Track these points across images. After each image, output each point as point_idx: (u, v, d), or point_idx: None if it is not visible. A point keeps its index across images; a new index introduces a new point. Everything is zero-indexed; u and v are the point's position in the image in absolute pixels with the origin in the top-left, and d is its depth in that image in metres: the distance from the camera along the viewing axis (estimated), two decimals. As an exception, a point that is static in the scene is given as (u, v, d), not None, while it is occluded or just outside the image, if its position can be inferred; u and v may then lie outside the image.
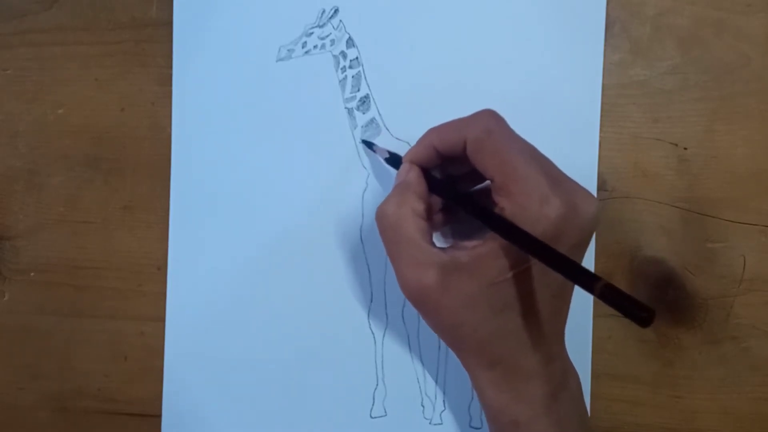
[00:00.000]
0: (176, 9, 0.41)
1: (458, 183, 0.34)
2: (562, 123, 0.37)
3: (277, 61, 0.40)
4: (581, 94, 0.37)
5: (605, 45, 0.37)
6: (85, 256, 0.42)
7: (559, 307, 0.30)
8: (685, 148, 0.37)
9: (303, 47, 0.39)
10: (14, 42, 0.42)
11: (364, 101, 0.39)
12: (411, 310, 0.38)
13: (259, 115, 0.40)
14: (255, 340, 0.40)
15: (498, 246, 0.28)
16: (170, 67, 0.41)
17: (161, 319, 0.41)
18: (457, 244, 0.31)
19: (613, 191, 0.38)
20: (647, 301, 0.37)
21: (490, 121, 0.29)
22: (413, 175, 0.32)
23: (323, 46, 0.39)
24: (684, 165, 0.37)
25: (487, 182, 0.30)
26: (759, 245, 0.36)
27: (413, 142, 0.33)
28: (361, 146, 0.39)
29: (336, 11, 0.39)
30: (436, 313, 0.29)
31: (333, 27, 0.39)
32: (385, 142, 0.38)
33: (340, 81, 0.39)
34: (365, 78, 0.39)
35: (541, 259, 0.26)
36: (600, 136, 0.37)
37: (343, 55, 0.39)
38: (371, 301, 0.39)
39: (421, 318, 0.38)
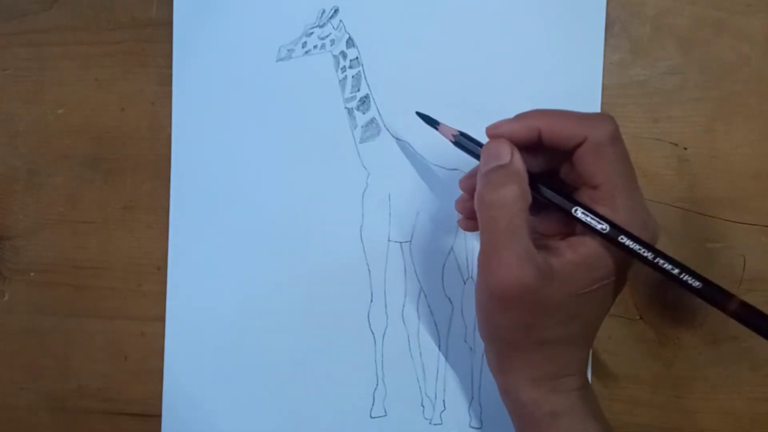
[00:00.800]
0: (176, 9, 0.41)
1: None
2: (562, 123, 0.37)
3: (277, 61, 0.40)
4: (581, 94, 0.37)
5: (605, 45, 0.37)
6: (85, 256, 0.42)
7: (605, 314, 0.31)
8: (685, 148, 0.37)
9: (303, 47, 0.39)
10: (14, 42, 0.42)
11: (364, 101, 0.39)
12: (411, 310, 0.38)
13: (259, 115, 0.40)
14: (255, 339, 0.40)
15: (594, 258, 0.28)
16: (170, 67, 0.41)
17: (161, 319, 0.41)
18: (540, 240, 0.30)
19: (613, 191, 0.37)
20: (647, 301, 0.37)
21: (616, 128, 0.28)
22: (520, 161, 0.29)
23: (323, 46, 0.39)
24: (684, 165, 0.37)
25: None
26: (759, 245, 0.36)
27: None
28: (361, 146, 0.39)
29: (336, 11, 0.39)
30: (518, 312, 0.29)
31: (333, 27, 0.39)
32: (385, 142, 0.38)
33: (340, 81, 0.39)
34: (365, 78, 0.39)
35: (669, 277, 0.27)
36: (600, 136, 0.37)
37: (343, 55, 0.39)
38: (371, 301, 0.39)
39: (421, 318, 0.38)
